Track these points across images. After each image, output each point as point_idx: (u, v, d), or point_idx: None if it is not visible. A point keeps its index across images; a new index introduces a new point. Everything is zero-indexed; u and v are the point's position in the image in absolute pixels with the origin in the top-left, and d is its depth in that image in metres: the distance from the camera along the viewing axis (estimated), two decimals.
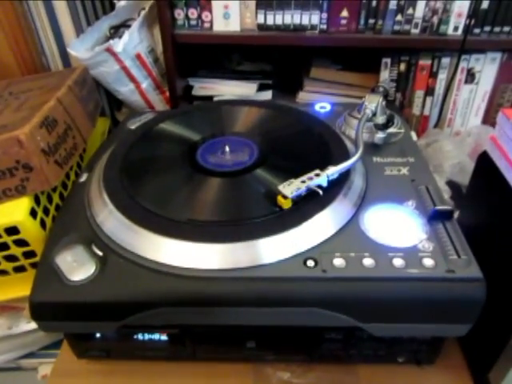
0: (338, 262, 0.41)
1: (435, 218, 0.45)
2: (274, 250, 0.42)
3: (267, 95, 0.88)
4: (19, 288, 0.58)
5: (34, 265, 0.56)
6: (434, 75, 0.79)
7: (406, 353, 0.49)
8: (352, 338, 0.47)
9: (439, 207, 0.46)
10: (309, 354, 0.50)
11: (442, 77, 0.79)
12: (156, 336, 0.49)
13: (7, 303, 0.62)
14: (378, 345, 0.48)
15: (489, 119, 0.83)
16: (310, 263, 0.41)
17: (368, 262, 0.41)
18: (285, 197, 0.45)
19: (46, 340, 0.69)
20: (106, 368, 0.52)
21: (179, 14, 0.76)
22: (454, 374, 0.51)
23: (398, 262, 0.41)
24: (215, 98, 0.86)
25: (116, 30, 0.84)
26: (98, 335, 0.49)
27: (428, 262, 0.41)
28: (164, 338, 0.49)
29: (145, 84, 0.86)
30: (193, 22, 0.77)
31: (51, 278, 0.43)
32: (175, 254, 0.43)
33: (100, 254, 0.44)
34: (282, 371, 0.52)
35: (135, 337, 0.49)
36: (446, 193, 0.65)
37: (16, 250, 0.54)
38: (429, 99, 0.82)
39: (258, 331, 0.48)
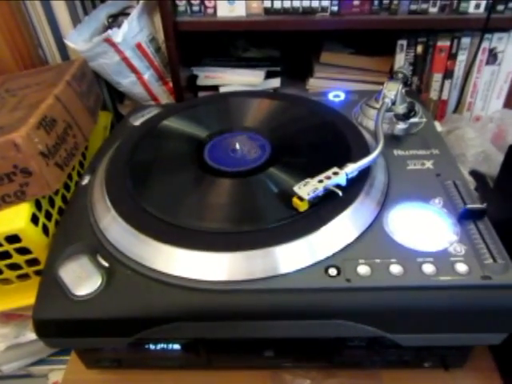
0: (363, 269, 0.38)
1: (466, 217, 0.42)
2: (291, 258, 0.39)
3: (275, 83, 0.84)
4: (24, 296, 0.55)
5: (38, 272, 0.54)
6: (453, 57, 0.74)
7: (433, 358, 0.47)
8: (376, 345, 0.45)
9: (470, 206, 0.42)
10: (329, 360, 0.48)
11: (462, 58, 0.75)
12: (169, 346, 0.46)
13: (13, 311, 0.60)
14: (403, 351, 0.45)
15: (511, 102, 0.78)
16: (332, 272, 0.38)
17: (396, 269, 0.38)
18: (301, 198, 0.41)
19: None
20: (118, 378, 0.50)
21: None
22: (483, 377, 0.48)
23: (428, 268, 0.38)
24: (221, 89, 0.83)
25: (114, 19, 0.80)
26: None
27: (461, 267, 0.38)
28: (177, 347, 0.46)
29: (147, 75, 0.82)
30: (195, 8, 0.73)
31: (55, 292, 0.40)
32: (186, 265, 0.40)
33: (106, 265, 0.41)
34: (301, 378, 0.50)
35: (147, 347, 0.47)
36: (471, 184, 0.61)
37: (18, 259, 0.52)
38: (447, 82, 0.77)
39: (276, 340, 0.45)
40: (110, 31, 0.72)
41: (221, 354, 0.48)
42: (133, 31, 0.75)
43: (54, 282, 0.41)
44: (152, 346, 0.46)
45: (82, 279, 0.40)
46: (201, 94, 0.85)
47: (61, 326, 0.40)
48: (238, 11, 0.72)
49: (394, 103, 0.53)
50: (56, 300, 0.40)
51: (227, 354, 0.48)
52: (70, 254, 0.42)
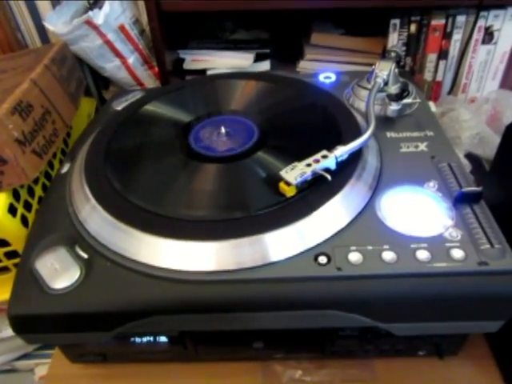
0: (354, 257, 0.36)
1: (461, 201, 0.40)
2: (280, 245, 0.37)
3: (265, 66, 0.81)
4: (4, 290, 0.52)
5: (18, 265, 0.51)
6: (447, 36, 0.72)
7: (427, 346, 0.45)
8: (368, 334, 0.43)
9: (466, 189, 0.40)
10: (321, 350, 0.46)
11: (457, 38, 0.72)
12: (155, 339, 0.45)
13: None
14: (396, 340, 0.44)
15: (507, 83, 0.76)
16: (322, 260, 0.36)
17: (388, 255, 0.36)
18: (288, 183, 0.39)
19: None
20: (104, 371, 0.49)
21: None
22: (478, 364, 0.47)
23: (422, 254, 0.36)
24: (209, 72, 0.80)
25: (96, 0, 0.77)
26: None
27: (457, 253, 0.36)
28: (164, 340, 0.45)
29: (131, 59, 0.79)
30: None
31: (30, 286, 0.38)
32: (170, 256, 0.37)
33: (85, 256, 0.39)
34: (292, 369, 0.48)
35: (133, 340, 0.45)
36: (466, 167, 0.60)
37: None
38: (442, 63, 0.75)
39: (266, 331, 0.43)
40: (90, 12, 0.69)
41: (209, 346, 0.46)
42: (115, 13, 0.72)
43: (29, 275, 0.39)
44: (138, 340, 0.45)
45: (60, 272, 0.38)
46: (188, 78, 0.82)
47: (38, 322, 0.38)
48: None
49: (386, 83, 0.51)
50: (32, 294, 0.38)
51: (215, 346, 0.47)
52: (46, 245, 0.40)
